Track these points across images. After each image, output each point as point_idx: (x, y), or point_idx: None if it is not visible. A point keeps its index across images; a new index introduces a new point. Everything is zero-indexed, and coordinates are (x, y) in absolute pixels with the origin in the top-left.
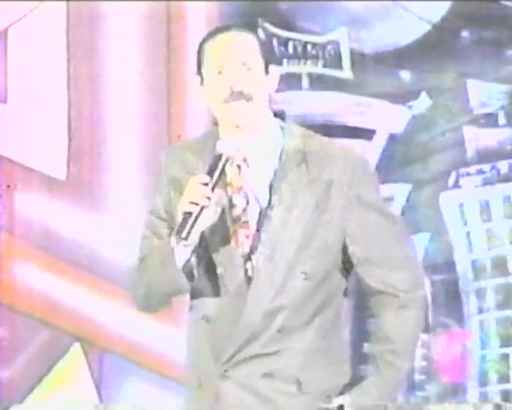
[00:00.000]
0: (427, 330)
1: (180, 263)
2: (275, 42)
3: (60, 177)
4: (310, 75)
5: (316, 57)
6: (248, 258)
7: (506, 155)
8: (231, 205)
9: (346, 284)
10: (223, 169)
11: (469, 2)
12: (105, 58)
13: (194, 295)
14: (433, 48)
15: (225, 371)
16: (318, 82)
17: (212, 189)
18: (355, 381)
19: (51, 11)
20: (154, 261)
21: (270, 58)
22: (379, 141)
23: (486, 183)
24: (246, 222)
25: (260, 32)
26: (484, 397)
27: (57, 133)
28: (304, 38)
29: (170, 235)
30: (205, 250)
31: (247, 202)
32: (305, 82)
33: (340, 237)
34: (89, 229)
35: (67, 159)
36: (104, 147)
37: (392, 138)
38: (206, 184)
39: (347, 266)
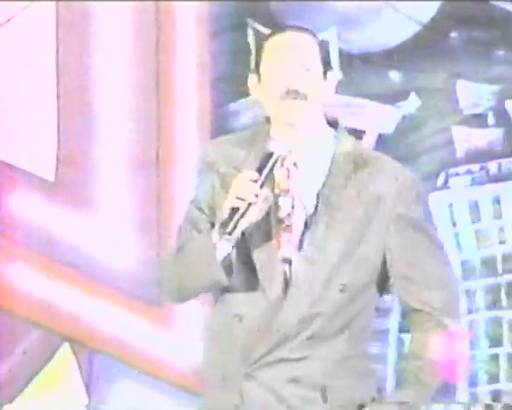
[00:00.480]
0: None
1: (220, 257)
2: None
3: (49, 178)
4: None
5: None
6: (288, 262)
7: (495, 156)
8: (277, 207)
9: (379, 299)
10: (272, 168)
11: (459, 2)
12: (94, 59)
13: (226, 289)
14: (423, 48)
15: (251, 371)
16: None
17: (261, 186)
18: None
19: (41, 12)
20: (193, 253)
21: (329, 65)
22: (368, 141)
23: (476, 183)
24: (289, 226)
25: (249, 32)
26: (474, 397)
27: (46, 134)
28: None
29: (209, 228)
30: (244, 247)
31: (293, 207)
32: None
33: (381, 252)
34: (77, 229)
35: (56, 160)
36: (93, 147)
37: (382, 139)
38: (254, 181)
39: (383, 281)
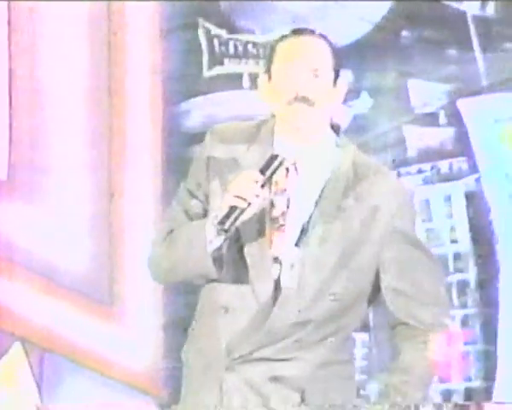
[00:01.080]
0: (368, 329)
1: (211, 249)
2: (215, 42)
3: (1, 176)
4: (251, 75)
5: (257, 57)
6: (279, 262)
7: (446, 155)
8: (271, 205)
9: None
10: (275, 170)
11: (410, 1)
12: (46, 58)
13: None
14: (374, 47)
15: (234, 365)
16: None
17: (262, 187)
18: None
19: None
20: (185, 241)
21: (340, 72)
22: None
23: (427, 182)
24: (283, 226)
25: (201, 31)
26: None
27: None
28: (244, 37)
29: (202, 215)
30: (236, 240)
31: (288, 207)
32: (246, 81)
33: (375, 264)
34: (29, 228)
35: (8, 158)
36: (45, 146)
37: None
38: (256, 182)
39: (374, 293)
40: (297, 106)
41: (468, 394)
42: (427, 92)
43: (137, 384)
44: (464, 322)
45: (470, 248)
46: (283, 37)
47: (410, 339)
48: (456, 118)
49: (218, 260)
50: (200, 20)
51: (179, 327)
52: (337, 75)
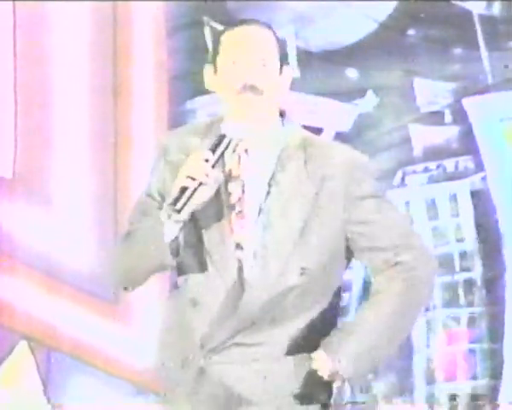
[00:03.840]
0: None
1: (168, 239)
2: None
3: (6, 175)
4: None
5: None
6: (241, 248)
7: (452, 153)
8: (228, 193)
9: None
10: (224, 150)
11: (416, 0)
12: (52, 58)
13: (181, 271)
14: (380, 46)
15: (210, 356)
16: None
17: (212, 166)
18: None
19: None
20: (142, 235)
21: (285, 60)
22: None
23: (432, 181)
24: (241, 212)
25: (206, 30)
26: (431, 396)
27: (3, 131)
28: None
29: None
30: (195, 230)
31: (243, 192)
32: None
33: (340, 233)
34: (35, 226)
35: (14, 157)
36: (51, 145)
37: (339, 136)
38: (206, 161)
39: (347, 262)
40: (246, 95)
41: (475, 392)
42: (432, 91)
43: (142, 383)
44: (470, 321)
45: (476, 247)
46: (228, 28)
47: (394, 279)
48: (461, 116)
49: (174, 248)
50: (206, 19)
51: None
52: (282, 64)
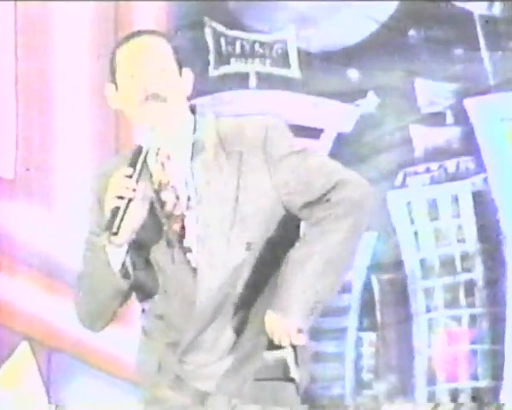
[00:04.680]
0: (375, 328)
1: (116, 267)
2: (222, 41)
3: (7, 175)
4: (257, 74)
5: (263, 56)
6: (189, 250)
7: (453, 154)
8: (161, 203)
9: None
10: (144, 160)
11: (417, 1)
12: (53, 58)
13: (143, 297)
14: (381, 47)
15: (183, 357)
16: (266, 81)
17: (137, 181)
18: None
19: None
20: (89, 270)
21: (182, 62)
22: (327, 140)
23: (434, 182)
24: (179, 216)
25: (207, 31)
26: (432, 396)
27: (5, 131)
28: (251, 36)
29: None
30: (140, 251)
31: (177, 197)
32: (252, 81)
33: (275, 201)
34: (37, 227)
35: (15, 157)
36: (52, 146)
37: (340, 137)
38: (129, 177)
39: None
40: (150, 105)
41: (476, 393)
42: (433, 92)
43: None
44: (471, 321)
45: (477, 248)
46: (120, 43)
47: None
48: (462, 117)
49: (125, 273)
50: (207, 20)
51: None
52: (180, 66)
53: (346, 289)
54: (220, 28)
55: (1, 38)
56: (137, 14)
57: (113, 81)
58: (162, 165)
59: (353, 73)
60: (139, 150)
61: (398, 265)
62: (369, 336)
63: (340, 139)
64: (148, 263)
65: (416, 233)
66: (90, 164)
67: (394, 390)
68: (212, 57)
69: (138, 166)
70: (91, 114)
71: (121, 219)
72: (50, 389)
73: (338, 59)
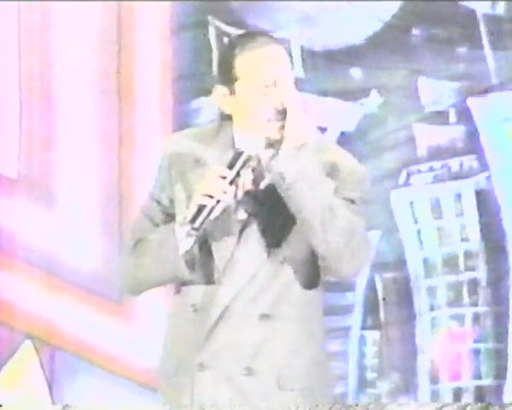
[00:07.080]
0: (379, 327)
1: (182, 250)
2: (226, 40)
3: (11, 175)
4: None
5: None
6: None
7: (457, 153)
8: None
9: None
10: (242, 167)
11: (420, 0)
12: (56, 58)
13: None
14: (384, 45)
15: (204, 361)
16: None
17: (230, 183)
18: None
19: (3, 11)
20: (154, 247)
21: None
22: (330, 138)
23: (437, 180)
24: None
25: (211, 30)
26: (435, 395)
27: (8, 131)
28: None
29: (165, 221)
30: (204, 241)
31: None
32: None
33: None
34: (40, 226)
35: (18, 156)
36: (55, 145)
37: (344, 136)
38: (223, 178)
39: None
40: (276, 123)
41: (479, 392)
42: (437, 90)
43: (147, 382)
44: (475, 320)
45: (481, 247)
46: (241, 47)
47: None
48: (466, 116)
49: (189, 261)
50: (211, 19)
51: None
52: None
53: (349, 287)
54: (224, 27)
55: (4, 37)
56: (140, 14)
57: (229, 87)
58: (252, 171)
59: (356, 72)
60: (239, 155)
61: (402, 263)
62: (373, 335)
63: (344, 138)
64: (208, 255)
65: (419, 232)
66: (92, 163)
67: (397, 389)
68: (215, 56)
69: (235, 170)
70: (94, 114)
71: (206, 218)
72: (54, 387)
73: (341, 58)
